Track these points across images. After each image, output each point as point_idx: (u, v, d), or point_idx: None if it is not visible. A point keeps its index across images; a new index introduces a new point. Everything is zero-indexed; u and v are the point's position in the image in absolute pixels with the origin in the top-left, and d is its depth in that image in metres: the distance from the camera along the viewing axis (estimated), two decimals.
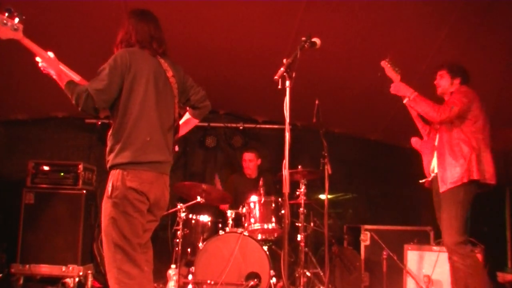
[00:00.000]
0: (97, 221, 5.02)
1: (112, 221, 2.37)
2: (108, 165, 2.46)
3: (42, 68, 2.66)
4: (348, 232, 5.39)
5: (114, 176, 2.41)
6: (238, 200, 4.83)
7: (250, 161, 5.34)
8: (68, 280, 4.60)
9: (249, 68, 4.70)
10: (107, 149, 2.49)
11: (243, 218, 4.41)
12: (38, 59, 2.63)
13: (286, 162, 2.60)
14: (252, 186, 5.05)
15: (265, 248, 4.14)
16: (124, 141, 2.42)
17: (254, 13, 3.83)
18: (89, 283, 4.70)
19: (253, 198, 4.39)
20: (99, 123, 5.80)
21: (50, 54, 2.61)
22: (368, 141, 6.20)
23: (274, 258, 4.17)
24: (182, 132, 2.80)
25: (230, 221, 4.38)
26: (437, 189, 3.47)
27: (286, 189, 2.62)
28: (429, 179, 3.65)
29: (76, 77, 2.66)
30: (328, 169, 4.08)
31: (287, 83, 2.62)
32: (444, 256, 4.10)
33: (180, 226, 4.24)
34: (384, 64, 3.61)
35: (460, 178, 3.27)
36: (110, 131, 2.50)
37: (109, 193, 2.39)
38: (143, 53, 2.59)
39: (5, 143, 5.63)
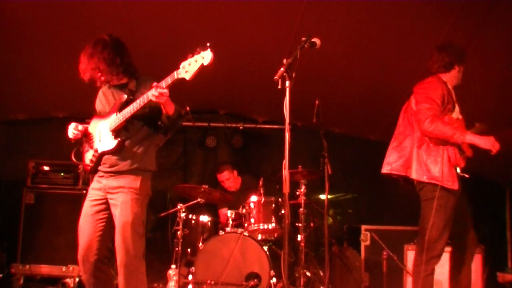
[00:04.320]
0: None
1: None
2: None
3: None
4: (348, 232, 5.39)
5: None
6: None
7: (228, 180, 5.27)
8: (68, 280, 4.60)
9: (249, 68, 4.70)
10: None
11: (243, 218, 4.41)
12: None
13: (286, 162, 2.60)
14: (240, 196, 4.97)
15: (265, 248, 4.14)
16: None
17: (254, 13, 3.83)
18: None
19: (253, 198, 4.39)
20: None
21: None
22: (368, 141, 6.20)
23: (274, 258, 4.17)
24: None
25: (230, 221, 4.38)
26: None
27: (286, 189, 2.62)
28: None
29: None
30: (328, 169, 4.08)
31: (287, 83, 2.62)
32: (443, 256, 4.09)
33: (180, 226, 4.25)
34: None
35: None
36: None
37: None
38: None
39: (5, 143, 5.62)
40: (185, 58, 2.64)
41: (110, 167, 2.90)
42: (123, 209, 2.79)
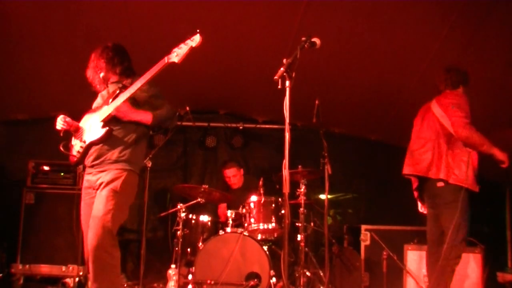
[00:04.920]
0: None
1: None
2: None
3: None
4: (348, 232, 5.38)
5: None
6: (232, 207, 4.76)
7: (234, 176, 5.29)
8: (68, 280, 4.60)
9: (249, 68, 4.70)
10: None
11: (243, 218, 4.41)
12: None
13: (286, 162, 2.60)
14: (240, 195, 5.00)
15: (265, 248, 4.14)
16: None
17: (254, 13, 3.83)
18: (89, 283, 4.69)
19: (253, 198, 4.39)
20: None
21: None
22: (368, 141, 6.20)
23: (274, 258, 4.17)
24: None
25: (230, 221, 4.38)
26: None
27: (286, 189, 2.62)
28: None
29: None
30: (328, 169, 4.08)
31: (287, 83, 2.62)
32: None
33: (180, 226, 4.25)
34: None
35: None
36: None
37: None
38: None
39: (5, 143, 5.62)
40: (176, 45, 2.74)
41: (96, 159, 2.89)
42: (97, 203, 2.80)
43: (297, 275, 4.11)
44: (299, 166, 4.28)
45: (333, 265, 4.74)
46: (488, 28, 3.56)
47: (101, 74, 3.05)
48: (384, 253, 4.37)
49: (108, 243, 2.74)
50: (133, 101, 2.92)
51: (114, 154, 2.87)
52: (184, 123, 5.70)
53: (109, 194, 2.80)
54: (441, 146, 3.41)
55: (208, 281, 3.97)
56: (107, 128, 2.86)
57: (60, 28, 3.96)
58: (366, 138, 6.18)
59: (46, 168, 4.88)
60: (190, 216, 4.48)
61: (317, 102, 3.97)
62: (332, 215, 5.86)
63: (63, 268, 4.57)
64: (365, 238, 4.93)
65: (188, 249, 4.41)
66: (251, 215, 4.32)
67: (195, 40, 2.68)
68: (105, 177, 2.85)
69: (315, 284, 4.43)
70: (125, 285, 4.86)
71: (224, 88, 5.37)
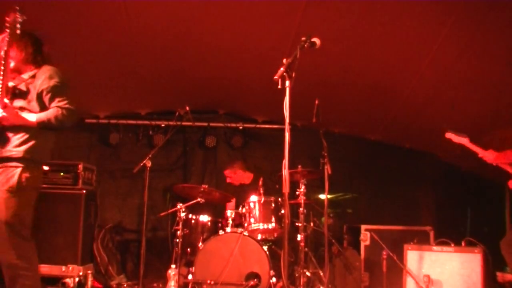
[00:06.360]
0: (97, 221, 5.02)
1: None
2: None
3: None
4: (348, 232, 5.39)
5: None
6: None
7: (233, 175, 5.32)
8: (68, 280, 4.59)
9: (249, 68, 4.70)
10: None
11: (243, 218, 4.41)
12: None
13: (286, 162, 2.60)
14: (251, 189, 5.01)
15: (265, 248, 4.14)
16: None
17: (254, 13, 3.83)
18: (89, 283, 4.69)
19: (253, 198, 4.39)
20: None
21: None
22: (368, 141, 6.21)
23: (274, 258, 4.17)
24: None
25: (230, 221, 4.38)
26: None
27: (286, 189, 2.62)
28: None
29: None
30: (328, 169, 4.08)
31: (287, 83, 2.62)
32: (443, 256, 4.11)
33: (180, 226, 4.25)
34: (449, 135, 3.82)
35: None
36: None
37: None
38: None
39: None
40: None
41: None
42: None
43: (297, 275, 4.11)
44: (299, 166, 4.28)
45: (333, 265, 4.74)
46: (488, 28, 3.56)
47: (12, 54, 2.88)
48: (384, 253, 4.37)
49: (24, 251, 2.74)
50: (28, 96, 2.83)
51: (6, 152, 2.76)
52: (184, 123, 5.70)
53: (4, 196, 2.73)
54: None
55: (208, 281, 3.97)
56: None
57: (60, 28, 3.95)
58: (366, 138, 6.18)
59: (46, 168, 4.87)
60: (190, 216, 4.48)
61: (317, 102, 3.97)
62: (332, 215, 5.86)
63: (63, 268, 4.56)
64: (365, 238, 4.93)
65: (188, 249, 4.41)
66: (251, 215, 4.32)
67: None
68: (0, 177, 2.77)
69: (315, 284, 4.43)
70: (125, 285, 4.86)
71: (224, 88, 5.37)
